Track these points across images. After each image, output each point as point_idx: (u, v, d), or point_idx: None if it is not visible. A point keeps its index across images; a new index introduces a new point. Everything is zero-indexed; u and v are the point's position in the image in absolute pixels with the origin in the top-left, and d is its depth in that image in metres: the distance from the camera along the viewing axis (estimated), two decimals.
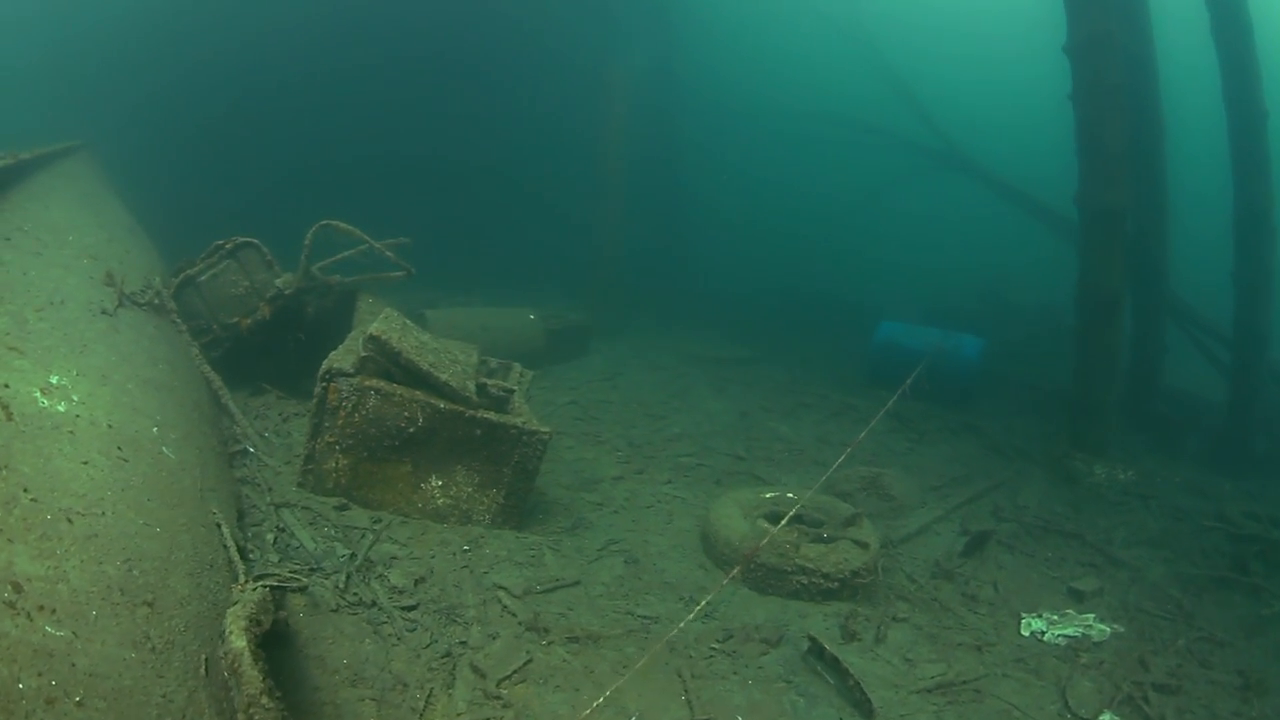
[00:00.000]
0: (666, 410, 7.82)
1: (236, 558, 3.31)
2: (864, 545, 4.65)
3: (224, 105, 10.58)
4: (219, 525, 3.44)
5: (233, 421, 4.76)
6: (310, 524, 4.16)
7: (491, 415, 4.50)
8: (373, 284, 6.11)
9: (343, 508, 4.39)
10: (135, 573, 2.82)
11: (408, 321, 4.86)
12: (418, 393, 4.38)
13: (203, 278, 5.19)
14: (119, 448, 3.21)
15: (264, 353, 5.59)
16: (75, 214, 5.09)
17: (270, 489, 4.34)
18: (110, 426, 3.27)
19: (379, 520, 4.37)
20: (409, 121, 12.03)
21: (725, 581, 3.91)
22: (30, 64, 10.54)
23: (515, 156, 12.90)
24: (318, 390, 4.24)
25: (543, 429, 4.58)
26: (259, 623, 2.68)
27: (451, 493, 4.58)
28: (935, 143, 15.30)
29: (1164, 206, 8.69)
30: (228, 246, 5.24)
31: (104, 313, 4.05)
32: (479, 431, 4.49)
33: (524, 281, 11.72)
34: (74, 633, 2.46)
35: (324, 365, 4.23)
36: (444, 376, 4.42)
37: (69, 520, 2.81)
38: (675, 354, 10.16)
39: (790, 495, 5.25)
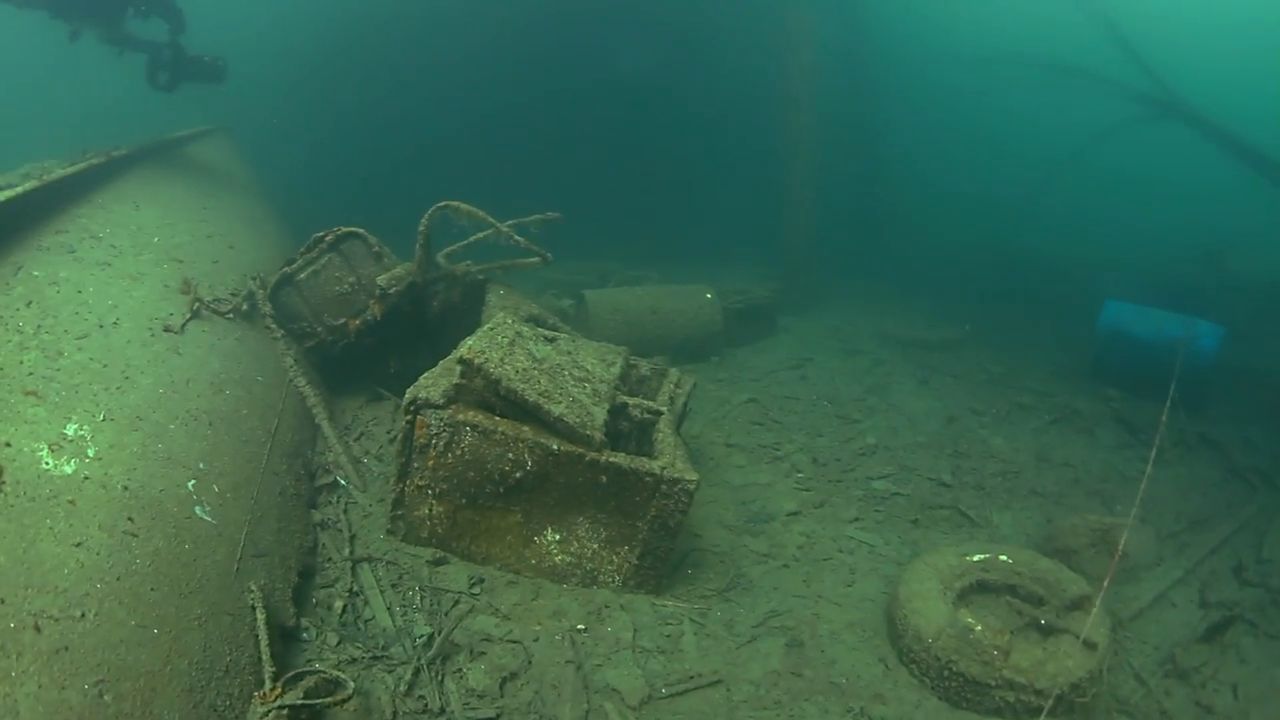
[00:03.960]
0: (860, 411, 6.90)
1: (266, 655, 2.79)
2: (1092, 645, 3.53)
3: (384, 78, 10.60)
4: (254, 608, 2.92)
5: (327, 446, 4.34)
6: (394, 585, 3.66)
7: (620, 459, 3.72)
8: (508, 271, 5.51)
9: (439, 562, 3.86)
10: (107, 698, 2.36)
11: (522, 329, 4.17)
12: (525, 429, 3.69)
13: (302, 275, 4.84)
14: (130, 518, 2.78)
15: (380, 355, 5.18)
16: (172, 210, 4.92)
17: (354, 536, 3.86)
18: (126, 489, 2.85)
19: (479, 582, 3.79)
20: (582, 82, 11.58)
21: None
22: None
23: (698, 116, 12.33)
24: (403, 424, 3.67)
25: (688, 476, 3.74)
26: None
27: (572, 549, 3.89)
28: (1153, 90, 13.68)
29: None
30: (328, 239, 4.85)
31: (167, 330, 3.70)
32: (604, 478, 3.73)
33: (709, 251, 11.04)
34: None
35: (408, 394, 3.67)
36: (558, 410, 3.69)
37: (36, 629, 2.38)
38: (874, 334, 9.28)
39: (1004, 558, 4.14)
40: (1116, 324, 8.05)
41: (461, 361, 3.67)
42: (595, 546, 3.91)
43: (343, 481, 4.22)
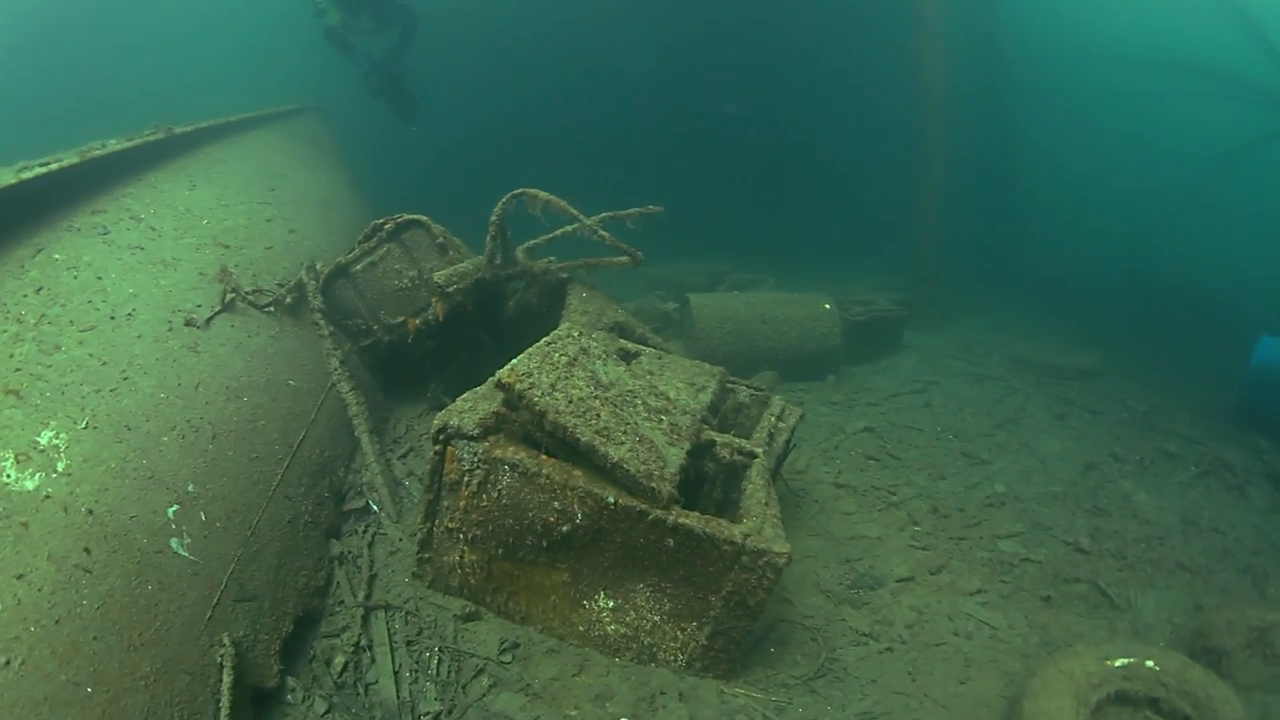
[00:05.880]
0: (989, 449, 6.27)
1: None
2: None
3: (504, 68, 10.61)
4: (221, 666, 2.57)
5: (365, 463, 4.00)
6: (409, 642, 3.28)
7: (692, 520, 3.18)
8: (593, 270, 5.10)
9: (469, 617, 3.47)
10: None
11: (589, 345, 3.71)
12: (577, 473, 3.22)
13: (358, 267, 4.56)
14: (87, 549, 2.49)
15: (446, 356, 4.86)
16: (231, 191, 4.76)
17: (374, 576, 3.50)
18: (90, 513, 2.56)
19: (512, 647, 3.38)
20: (708, 77, 11.27)
21: None
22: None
23: (826, 113, 12.09)
24: (432, 455, 3.26)
25: (776, 548, 3.17)
26: None
27: (628, 619, 3.40)
28: None
29: None
30: (388, 227, 4.55)
31: (188, 324, 3.43)
32: (671, 541, 3.20)
33: (833, 255, 10.71)
34: None
35: (438, 419, 3.27)
36: (617, 453, 3.18)
37: None
38: (1005, 358, 8.75)
39: (1150, 664, 3.41)
40: (1272, 361, 7.41)
41: (502, 386, 3.22)
42: (656, 619, 3.40)
43: (375, 507, 3.88)
